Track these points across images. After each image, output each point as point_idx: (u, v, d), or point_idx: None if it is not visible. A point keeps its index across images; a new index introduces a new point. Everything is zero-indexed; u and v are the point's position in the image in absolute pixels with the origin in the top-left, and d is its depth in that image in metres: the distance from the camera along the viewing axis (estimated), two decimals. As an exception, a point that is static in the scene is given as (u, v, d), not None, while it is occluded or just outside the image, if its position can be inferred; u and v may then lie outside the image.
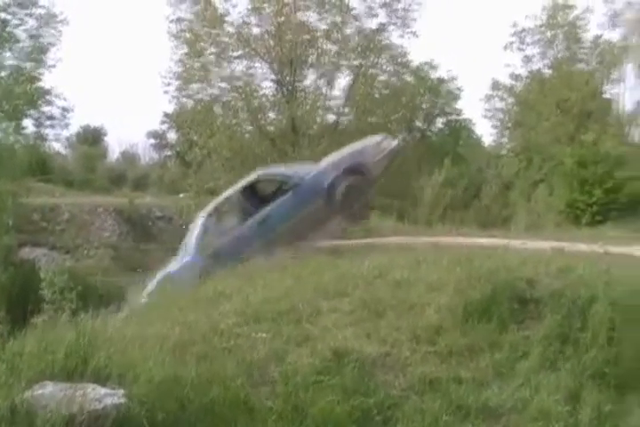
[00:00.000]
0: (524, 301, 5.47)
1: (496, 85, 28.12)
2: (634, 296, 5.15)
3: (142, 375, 4.03)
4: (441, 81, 30.48)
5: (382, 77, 21.88)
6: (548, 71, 28.03)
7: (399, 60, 22.07)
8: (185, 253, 10.43)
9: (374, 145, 10.69)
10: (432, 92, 30.06)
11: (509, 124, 28.74)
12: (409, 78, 25.15)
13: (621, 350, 4.66)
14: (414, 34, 20.74)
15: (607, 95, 27.18)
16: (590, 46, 28.35)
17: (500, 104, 28.55)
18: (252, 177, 10.86)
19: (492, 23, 43.52)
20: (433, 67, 30.05)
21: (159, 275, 10.10)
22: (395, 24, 20.61)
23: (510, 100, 28.19)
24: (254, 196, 10.70)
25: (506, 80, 28.09)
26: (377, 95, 21.07)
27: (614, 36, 28.34)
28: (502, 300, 5.36)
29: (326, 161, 10.72)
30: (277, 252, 8.40)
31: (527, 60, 27.98)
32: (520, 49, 27.87)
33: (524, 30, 27.85)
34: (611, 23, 27.85)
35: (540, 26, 27.86)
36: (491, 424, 4.28)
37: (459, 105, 31.59)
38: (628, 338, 4.73)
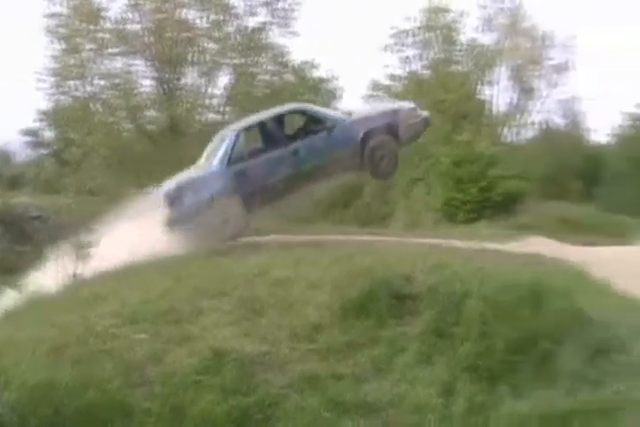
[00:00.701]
0: (402, 297, 5.56)
1: (375, 86, 28.56)
2: (505, 292, 5.33)
3: (14, 381, 3.90)
4: (321, 80, 30.68)
5: (263, 76, 21.90)
6: (425, 72, 28.66)
7: (280, 59, 22.15)
8: (209, 162, 10.38)
9: (410, 110, 10.87)
10: (312, 91, 30.22)
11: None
12: (290, 78, 25.25)
13: (493, 343, 4.81)
14: (295, 33, 20.89)
15: (481, 97, 28.02)
16: (466, 49, 29.16)
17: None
18: (287, 107, 11.01)
19: (372, 24, 44.11)
20: (314, 66, 30.16)
21: (178, 179, 10.20)
22: (275, 23, 20.68)
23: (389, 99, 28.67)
24: (282, 126, 10.68)
25: (385, 80, 28.58)
26: (258, 94, 21.08)
27: (488, 39, 29.25)
28: (380, 296, 5.44)
29: (362, 112, 10.96)
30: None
31: (405, 61, 28.55)
32: (399, 50, 28.41)
33: (402, 32, 28.38)
34: (485, 27, 28.76)
35: (418, 28, 28.46)
36: (369, 419, 4.34)
37: (339, 104, 31.92)
38: (498, 332, 4.88)
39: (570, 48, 30.59)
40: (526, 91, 29.09)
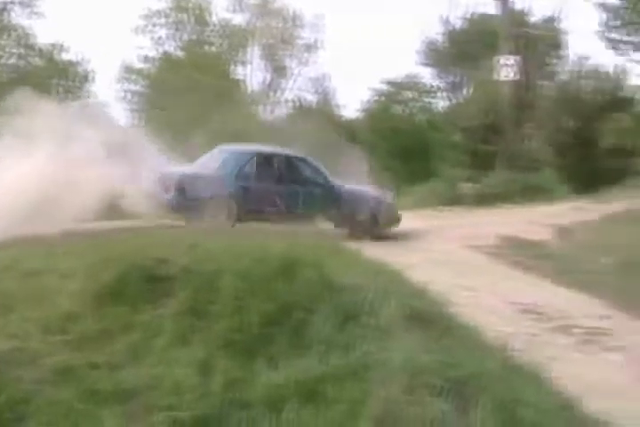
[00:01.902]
0: (156, 279, 5.48)
1: (128, 68, 27.97)
2: (257, 266, 5.40)
3: None
4: (71, 64, 29.55)
5: (7, 60, 20.77)
6: (179, 53, 28.43)
7: (24, 41, 21.09)
8: (217, 167, 12.43)
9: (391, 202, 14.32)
10: (62, 75, 29.04)
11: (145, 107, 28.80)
12: (37, 61, 24.13)
13: (248, 317, 4.86)
14: (40, 14, 19.94)
15: (235, 76, 28.26)
16: (218, 29, 29.21)
17: (133, 86, 28.47)
18: (299, 154, 13.55)
19: (123, 5, 43.04)
20: (63, 49, 29.04)
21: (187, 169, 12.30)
22: (18, 3, 19.66)
23: (144, 82, 28.23)
24: (290, 167, 13.16)
25: (138, 62, 28.07)
26: (2, 79, 19.98)
27: (239, 19, 29.48)
28: (133, 281, 5.34)
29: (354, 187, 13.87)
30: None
31: (158, 42, 28.16)
32: (151, 31, 27.96)
33: (153, 12, 27.94)
34: (236, 7, 28.91)
35: (170, 8, 28.13)
36: (127, 405, 4.25)
37: (92, 88, 30.95)
38: (253, 306, 4.95)
39: (319, 27, 31.58)
40: (278, 70, 29.74)
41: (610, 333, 7.69)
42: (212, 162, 12.99)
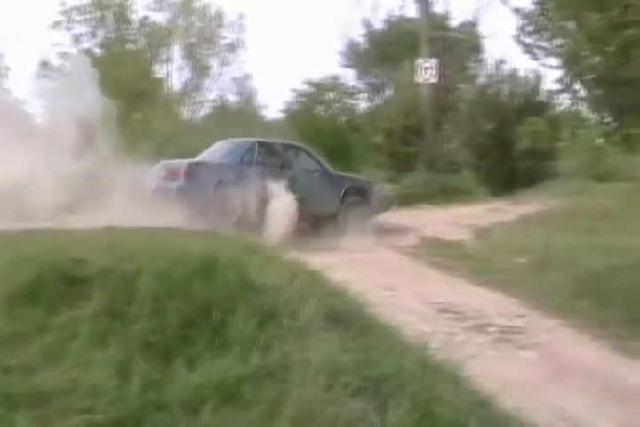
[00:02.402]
0: (74, 280, 5.37)
1: (45, 65, 27.41)
2: (177, 266, 5.36)
3: None
4: (-16, 59, 28.84)
5: None
6: (98, 51, 27.99)
7: None
8: (223, 155, 13.61)
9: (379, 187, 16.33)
10: (-24, 70, 28.33)
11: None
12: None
13: (166, 318, 4.82)
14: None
15: (157, 75, 27.95)
16: (138, 27, 28.86)
17: (50, 83, 27.87)
18: (299, 144, 15.53)
19: (41, 2, 42.14)
20: (-25, 45, 28.30)
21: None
22: None
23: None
24: (291, 154, 14.68)
25: (55, 59, 27.53)
26: None
27: (161, 18, 29.16)
28: (49, 282, 5.21)
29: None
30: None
31: (77, 39, 27.67)
32: (68, 28, 27.45)
33: (73, 9, 27.44)
34: (157, 6, 28.59)
35: (89, 5, 27.69)
36: (41, 409, 4.16)
37: (7, 85, 30.22)
38: (172, 306, 4.90)
39: (241, 27, 31.47)
40: (200, 69, 29.52)
41: (524, 331, 7.90)
42: (216, 152, 14.15)
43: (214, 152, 14.25)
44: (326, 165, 14.87)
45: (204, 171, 13.16)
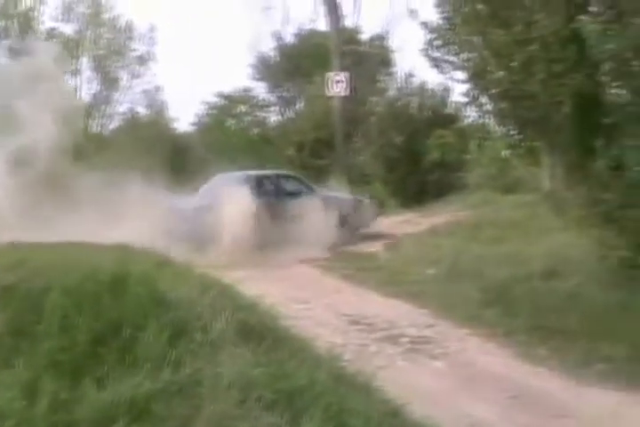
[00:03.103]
0: (-24, 300, 5.24)
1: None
2: (86, 282, 5.27)
3: None
4: None
5: None
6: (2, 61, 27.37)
7: None
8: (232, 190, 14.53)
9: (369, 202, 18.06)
10: None
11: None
12: None
13: (75, 336, 4.73)
14: None
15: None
16: (45, 38, 28.32)
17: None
18: (292, 173, 17.49)
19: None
20: None
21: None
22: None
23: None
24: (288, 183, 16.42)
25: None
26: None
27: (69, 29, 28.68)
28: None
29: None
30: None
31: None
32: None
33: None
34: (65, 17, 28.10)
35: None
36: None
37: None
38: (81, 324, 4.81)
39: (151, 39, 31.19)
40: (110, 81, 29.11)
41: (434, 341, 8.04)
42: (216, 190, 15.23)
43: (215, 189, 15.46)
44: (313, 187, 16.56)
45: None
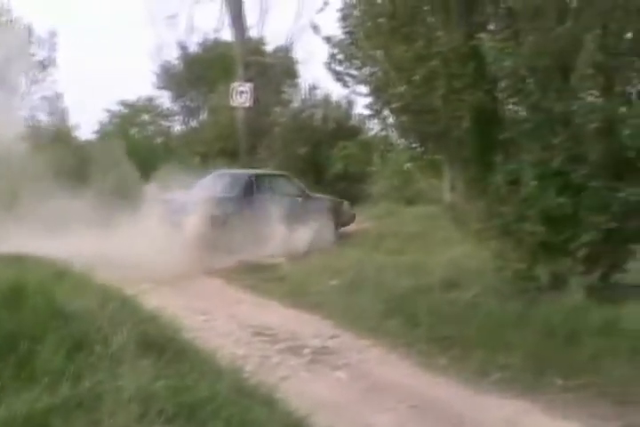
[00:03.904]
0: None
1: None
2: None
3: None
4: None
5: None
6: None
7: None
8: (224, 189, 15.65)
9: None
10: None
11: None
12: None
13: None
14: None
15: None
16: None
17: None
18: (284, 173, 17.85)
19: None
20: None
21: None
22: None
23: None
24: (280, 183, 16.98)
25: None
26: None
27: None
28: None
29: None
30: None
31: None
32: None
33: None
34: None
35: None
36: None
37: None
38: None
39: (52, 45, 30.52)
40: (8, 87, 28.29)
41: (337, 352, 8.10)
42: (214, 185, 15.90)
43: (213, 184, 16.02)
44: (304, 188, 17.20)
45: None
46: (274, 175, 17.58)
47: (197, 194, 15.27)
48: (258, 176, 16.59)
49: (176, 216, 13.88)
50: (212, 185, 15.99)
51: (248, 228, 14.11)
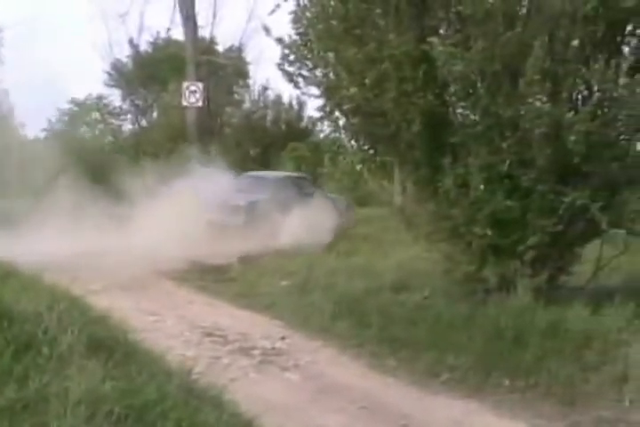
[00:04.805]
0: None
1: None
2: None
3: None
4: None
5: None
6: None
7: None
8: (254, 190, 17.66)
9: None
10: None
11: None
12: None
13: None
14: None
15: None
16: None
17: None
18: (304, 175, 21.03)
19: None
20: None
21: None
22: None
23: None
24: (300, 183, 19.25)
25: None
26: None
27: None
28: None
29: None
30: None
31: None
32: None
33: None
34: None
35: None
36: None
37: None
38: None
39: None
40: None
41: (287, 353, 8.11)
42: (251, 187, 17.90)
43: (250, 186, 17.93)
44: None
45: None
46: (298, 177, 19.94)
47: (234, 195, 17.07)
48: (286, 178, 19.16)
49: (218, 215, 15.87)
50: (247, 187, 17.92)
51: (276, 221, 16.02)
